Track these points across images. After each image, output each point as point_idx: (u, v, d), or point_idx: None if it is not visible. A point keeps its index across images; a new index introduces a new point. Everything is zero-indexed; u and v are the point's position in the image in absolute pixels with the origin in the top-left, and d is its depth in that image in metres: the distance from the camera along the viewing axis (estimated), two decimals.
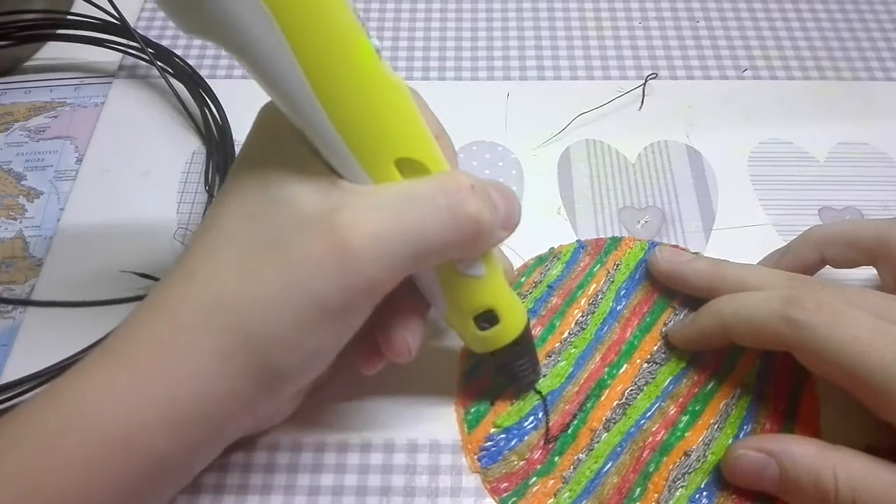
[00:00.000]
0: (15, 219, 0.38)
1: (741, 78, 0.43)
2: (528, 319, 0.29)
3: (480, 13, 0.46)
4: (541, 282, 0.35)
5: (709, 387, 0.31)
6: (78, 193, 0.38)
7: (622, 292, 0.34)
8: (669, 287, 0.34)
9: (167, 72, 0.41)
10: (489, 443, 0.30)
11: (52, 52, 0.44)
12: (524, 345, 0.29)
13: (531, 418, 0.31)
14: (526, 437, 0.30)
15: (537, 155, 0.39)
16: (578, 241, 0.36)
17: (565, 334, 0.33)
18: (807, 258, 0.32)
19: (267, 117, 0.26)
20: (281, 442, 0.30)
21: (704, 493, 0.29)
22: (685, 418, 0.31)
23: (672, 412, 0.31)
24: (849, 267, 0.32)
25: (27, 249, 0.36)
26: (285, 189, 0.24)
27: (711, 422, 0.30)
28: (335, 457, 0.30)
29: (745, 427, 0.30)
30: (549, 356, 0.32)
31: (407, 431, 0.31)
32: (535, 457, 0.30)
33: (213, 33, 0.21)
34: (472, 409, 0.31)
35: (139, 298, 0.33)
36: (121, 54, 0.43)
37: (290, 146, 0.24)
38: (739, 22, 0.46)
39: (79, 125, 0.41)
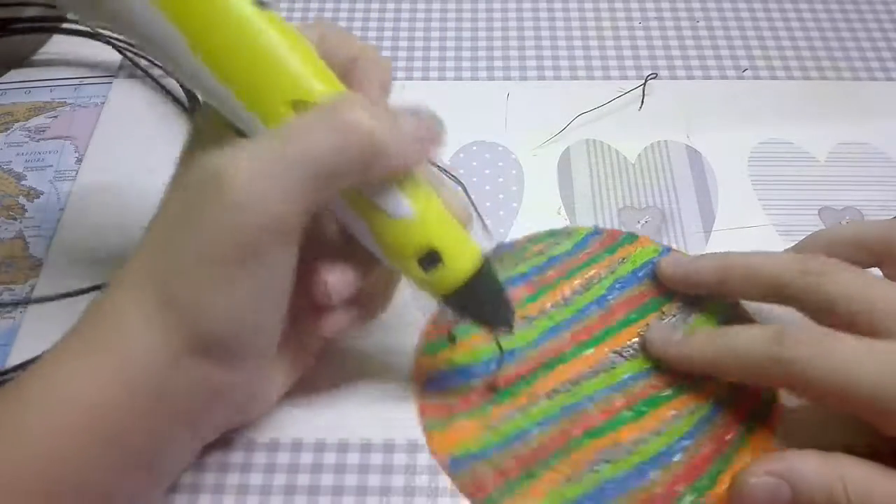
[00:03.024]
0: (15, 219, 0.38)
1: (741, 78, 0.43)
2: (486, 260, 0.27)
3: (480, 13, 0.46)
4: (543, 252, 0.35)
5: (664, 394, 0.31)
6: (78, 193, 0.38)
7: (618, 285, 0.34)
8: (681, 291, 0.33)
9: (164, 69, 0.42)
10: (437, 372, 0.32)
11: (54, 49, 0.44)
12: (481, 287, 0.27)
13: (483, 366, 0.32)
14: (471, 380, 0.31)
15: (537, 155, 0.39)
16: (595, 227, 0.36)
17: (548, 305, 0.33)
18: None
19: (200, 122, 0.27)
20: (281, 442, 0.30)
21: (612, 487, 0.29)
22: (628, 414, 0.30)
23: (618, 404, 0.31)
24: None
25: (27, 249, 0.36)
26: (202, 158, 0.24)
27: (652, 426, 0.30)
28: (335, 457, 0.30)
29: (683, 442, 0.30)
30: (525, 319, 0.33)
31: (407, 432, 0.31)
32: (471, 399, 0.31)
33: (100, 15, 0.23)
34: (434, 341, 0.32)
35: None
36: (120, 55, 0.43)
37: (214, 127, 0.25)
38: (739, 22, 0.46)
39: (79, 125, 0.41)
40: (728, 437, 0.30)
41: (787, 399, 0.30)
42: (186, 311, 0.23)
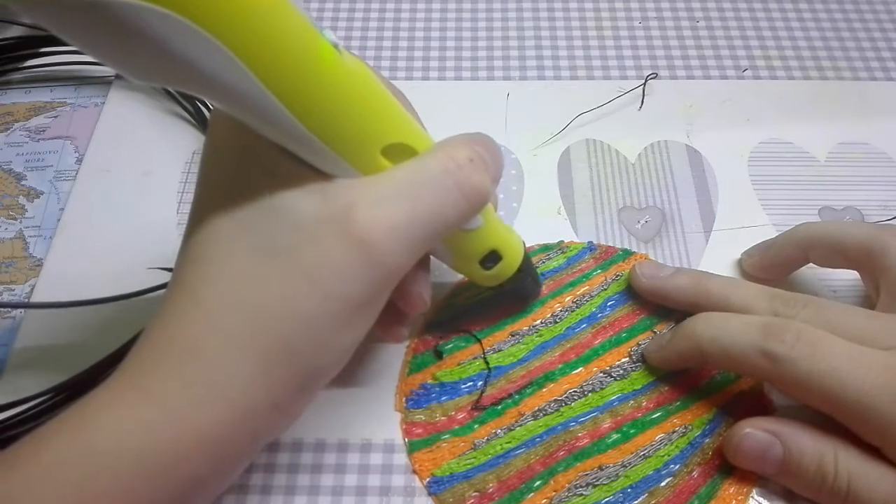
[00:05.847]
0: (15, 219, 0.38)
1: (741, 78, 0.43)
2: (524, 245, 0.31)
3: (480, 13, 0.46)
4: (537, 268, 0.35)
5: (652, 416, 0.30)
6: (78, 193, 0.38)
7: (610, 302, 0.34)
8: (652, 302, 0.33)
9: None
10: (422, 390, 0.31)
11: (49, 57, 0.44)
12: (526, 268, 0.31)
13: (470, 383, 0.31)
14: (457, 398, 0.31)
15: (537, 155, 0.39)
16: (590, 242, 0.36)
17: (537, 321, 0.33)
18: (790, 256, 0.32)
19: (220, 130, 0.25)
20: (281, 442, 0.30)
21: None
22: (616, 436, 0.30)
23: (605, 426, 0.30)
24: (832, 267, 0.32)
25: (27, 249, 0.36)
26: (277, 197, 0.23)
27: (639, 449, 0.30)
28: (335, 457, 0.30)
29: (671, 466, 0.29)
30: (514, 335, 0.33)
31: None
32: (458, 417, 0.31)
33: (174, 80, 0.20)
34: (420, 357, 0.32)
35: (139, 294, 0.33)
36: None
37: (261, 154, 0.24)
38: (739, 22, 0.46)
39: (79, 125, 0.41)
40: (717, 462, 0.29)
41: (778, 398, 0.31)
42: (305, 357, 0.23)
